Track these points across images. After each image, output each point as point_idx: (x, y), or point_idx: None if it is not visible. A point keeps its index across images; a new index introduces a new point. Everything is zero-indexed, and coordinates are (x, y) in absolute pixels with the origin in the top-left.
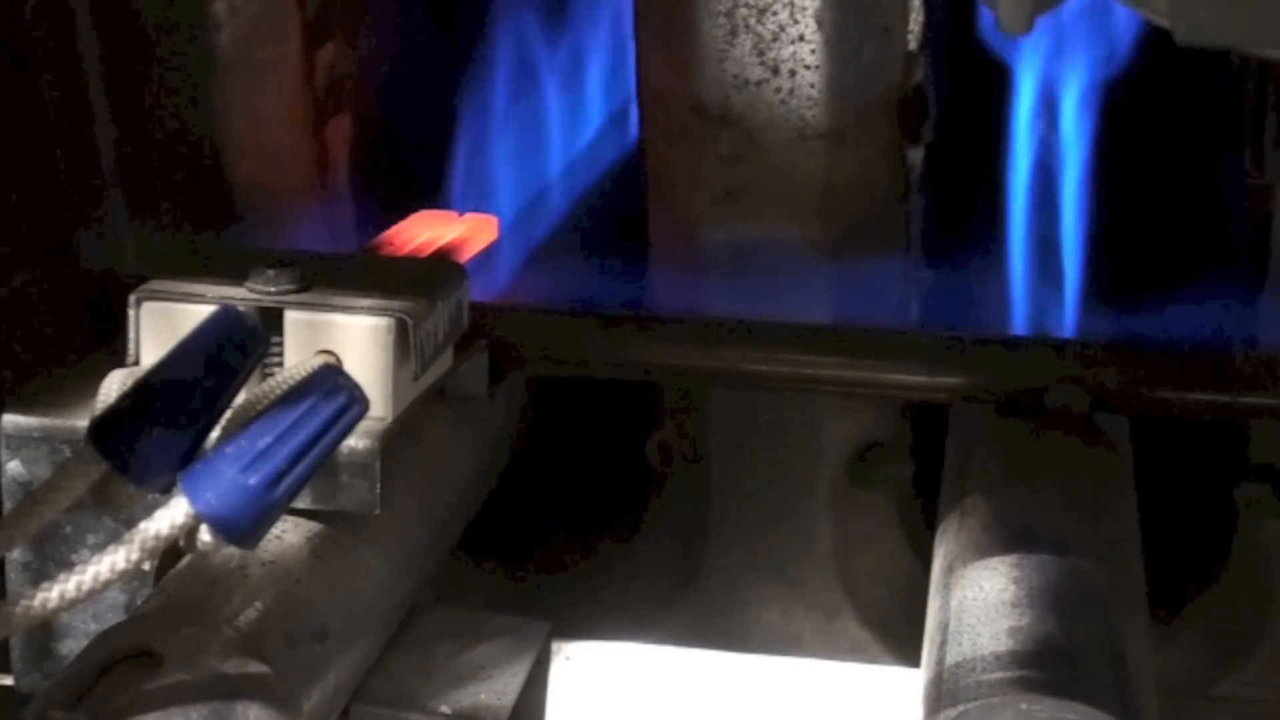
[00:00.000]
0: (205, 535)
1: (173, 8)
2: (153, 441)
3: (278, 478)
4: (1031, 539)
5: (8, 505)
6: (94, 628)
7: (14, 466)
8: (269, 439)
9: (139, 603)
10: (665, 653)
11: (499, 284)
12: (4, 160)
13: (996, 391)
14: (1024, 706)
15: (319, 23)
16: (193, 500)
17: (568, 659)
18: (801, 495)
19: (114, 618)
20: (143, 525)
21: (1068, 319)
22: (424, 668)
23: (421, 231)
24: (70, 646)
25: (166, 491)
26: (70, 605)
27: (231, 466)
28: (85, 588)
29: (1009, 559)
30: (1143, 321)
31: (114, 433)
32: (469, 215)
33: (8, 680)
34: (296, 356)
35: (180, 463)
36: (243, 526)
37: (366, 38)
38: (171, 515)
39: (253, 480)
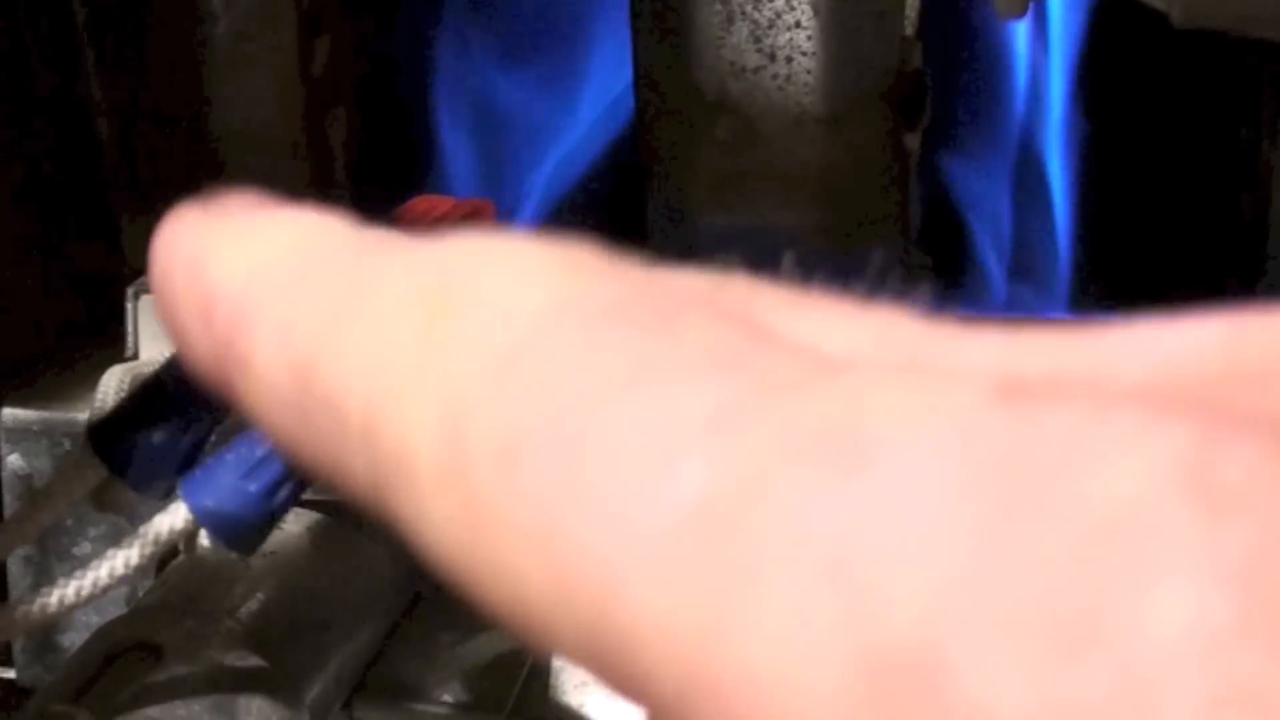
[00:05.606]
0: (205, 540)
1: (170, 1)
2: (152, 447)
3: (278, 484)
4: None
5: (8, 498)
6: (96, 620)
7: (14, 460)
8: (269, 445)
9: (140, 595)
10: None
11: None
12: (2, 157)
13: None
14: None
15: (316, 14)
16: (193, 506)
17: None
18: None
19: (115, 610)
20: (142, 530)
21: (1062, 311)
22: (426, 658)
23: (418, 218)
24: (72, 639)
25: (166, 497)
26: (71, 610)
27: (232, 473)
28: (85, 592)
29: None
30: (1140, 314)
31: (113, 438)
32: (464, 200)
33: (10, 674)
34: None
35: (180, 468)
36: (243, 533)
37: (364, 28)
38: (171, 520)
39: (253, 487)
